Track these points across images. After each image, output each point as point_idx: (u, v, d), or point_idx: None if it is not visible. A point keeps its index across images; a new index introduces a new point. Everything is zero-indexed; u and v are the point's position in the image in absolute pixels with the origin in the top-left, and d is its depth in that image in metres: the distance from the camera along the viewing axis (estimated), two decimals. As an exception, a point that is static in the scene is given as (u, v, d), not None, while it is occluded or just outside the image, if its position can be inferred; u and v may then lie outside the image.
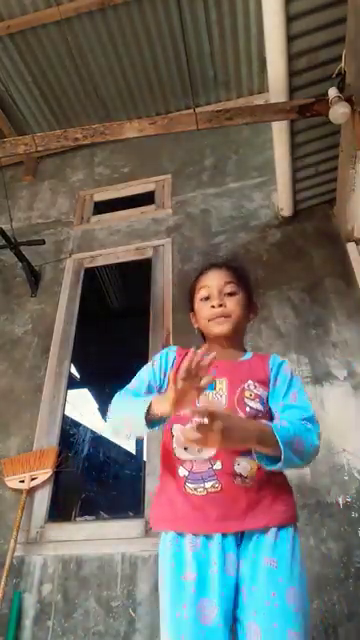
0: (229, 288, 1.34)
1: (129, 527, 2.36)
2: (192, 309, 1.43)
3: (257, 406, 1.19)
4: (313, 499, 2.20)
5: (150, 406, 1.07)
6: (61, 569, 2.27)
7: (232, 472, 1.11)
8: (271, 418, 1.20)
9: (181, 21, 3.53)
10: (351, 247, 2.93)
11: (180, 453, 1.16)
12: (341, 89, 2.29)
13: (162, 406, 1.04)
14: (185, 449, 1.15)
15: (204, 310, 1.34)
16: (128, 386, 1.28)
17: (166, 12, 3.63)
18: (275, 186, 3.15)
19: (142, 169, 4.08)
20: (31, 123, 4.47)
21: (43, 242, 3.50)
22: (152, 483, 2.44)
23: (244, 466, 1.12)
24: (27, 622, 2.17)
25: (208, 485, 1.10)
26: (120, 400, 1.22)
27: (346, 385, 2.49)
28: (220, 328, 1.30)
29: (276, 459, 1.03)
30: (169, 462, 1.19)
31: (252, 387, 1.22)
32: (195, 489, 1.11)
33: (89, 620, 2.12)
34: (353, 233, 2.90)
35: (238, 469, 1.11)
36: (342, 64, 2.25)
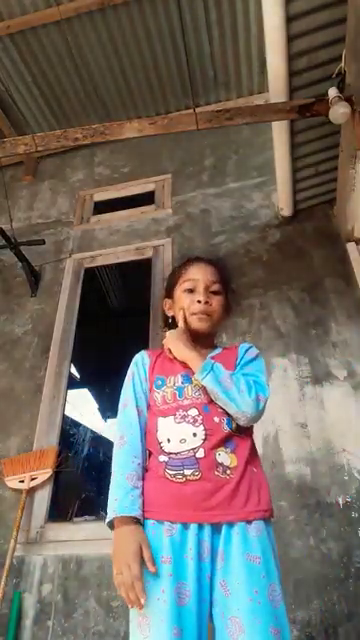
0: (215, 287, 1.36)
1: (129, 527, 2.35)
2: (169, 296, 1.43)
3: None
4: (313, 499, 2.20)
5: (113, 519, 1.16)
6: (61, 569, 2.27)
7: (214, 461, 1.12)
8: None
9: (181, 21, 3.52)
10: (351, 247, 2.93)
11: (165, 445, 1.17)
12: (341, 89, 2.29)
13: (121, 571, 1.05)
14: (168, 441, 1.17)
15: (186, 302, 1.34)
16: (126, 415, 1.26)
17: (166, 12, 3.63)
18: (275, 186, 3.15)
19: (142, 169, 4.08)
20: (31, 123, 4.47)
21: (43, 242, 3.50)
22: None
23: (224, 457, 1.14)
24: (27, 622, 2.17)
25: (188, 472, 1.11)
26: (121, 459, 1.20)
27: (346, 385, 2.49)
28: (200, 325, 1.32)
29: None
30: (151, 451, 1.21)
31: None
32: (174, 475, 1.12)
33: (89, 620, 2.12)
34: (353, 233, 2.90)
35: (219, 459, 1.13)
36: (342, 64, 2.25)
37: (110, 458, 1.26)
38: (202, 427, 1.16)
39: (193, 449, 1.13)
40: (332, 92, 2.28)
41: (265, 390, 1.21)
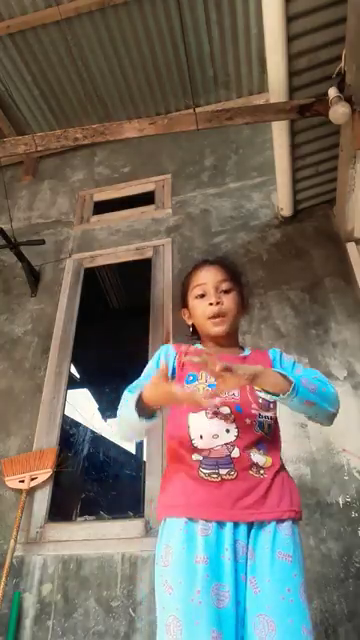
0: (224, 285, 1.35)
1: (129, 527, 2.36)
2: (185, 305, 1.44)
3: (268, 397, 1.21)
4: (313, 499, 2.20)
5: (141, 397, 1.11)
6: (61, 569, 2.27)
7: (249, 461, 1.12)
8: None
9: (181, 21, 3.53)
10: (351, 247, 2.93)
11: (197, 442, 1.16)
12: (341, 89, 2.29)
13: (156, 389, 1.08)
14: (201, 437, 1.15)
15: (200, 308, 1.34)
16: (136, 382, 1.28)
17: (166, 12, 3.63)
18: (275, 186, 3.15)
19: (142, 169, 4.08)
20: (31, 123, 4.47)
21: (43, 242, 3.50)
22: (152, 483, 2.44)
23: (259, 457, 1.14)
24: (27, 622, 2.17)
25: (223, 472, 1.10)
26: (123, 400, 1.22)
27: (346, 385, 2.49)
28: (217, 329, 1.31)
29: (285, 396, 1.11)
30: (181, 450, 1.18)
31: None
32: (209, 475, 1.10)
33: (89, 620, 2.12)
34: (353, 233, 2.90)
35: (254, 458, 1.13)
36: (342, 64, 2.25)
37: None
38: (234, 425, 1.16)
39: (227, 445, 1.13)
40: (332, 92, 2.28)
41: (330, 384, 1.23)
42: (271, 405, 1.23)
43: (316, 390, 1.15)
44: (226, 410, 1.17)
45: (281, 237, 3.22)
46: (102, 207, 4.01)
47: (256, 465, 1.12)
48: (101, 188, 4.13)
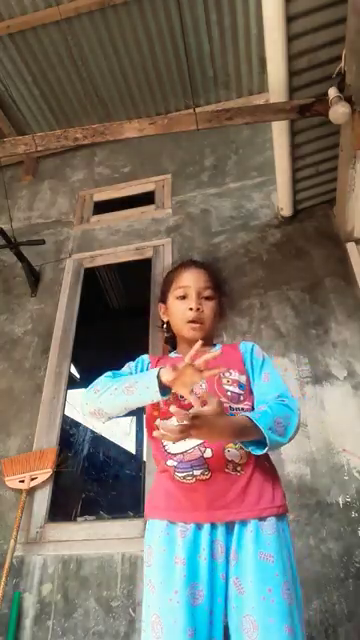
0: (207, 292, 1.36)
1: (129, 527, 2.36)
2: (163, 301, 1.45)
3: (236, 390, 1.22)
4: (313, 499, 2.20)
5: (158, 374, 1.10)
6: (61, 569, 2.27)
7: (223, 459, 1.11)
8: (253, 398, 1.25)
9: (181, 21, 3.52)
10: (351, 247, 2.93)
11: (170, 447, 1.17)
12: (341, 89, 2.29)
13: (167, 375, 1.06)
14: (173, 442, 1.13)
15: (180, 310, 1.35)
16: (104, 375, 1.28)
17: (166, 12, 3.63)
18: (275, 186, 3.15)
19: (142, 169, 4.08)
20: (31, 123, 4.47)
21: (43, 242, 3.50)
22: (152, 483, 2.44)
23: (234, 453, 1.13)
24: (27, 622, 2.17)
25: (197, 473, 1.11)
26: (113, 376, 1.23)
27: (346, 385, 2.49)
28: (193, 334, 1.31)
29: (261, 443, 1.07)
30: (158, 456, 1.21)
31: (227, 374, 1.24)
32: (184, 477, 1.12)
33: (89, 620, 2.12)
34: (353, 233, 2.90)
35: (229, 456, 1.12)
36: (342, 64, 2.25)
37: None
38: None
39: (198, 447, 1.13)
40: (332, 92, 2.28)
41: (293, 399, 1.19)
42: (242, 397, 1.21)
43: (284, 433, 1.10)
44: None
45: (281, 237, 3.22)
46: (102, 207, 4.01)
47: (232, 462, 1.11)
48: (101, 188, 4.13)
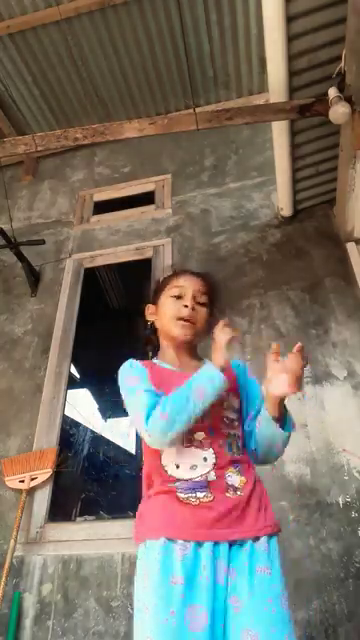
0: (202, 298, 1.32)
1: (129, 527, 2.35)
2: (153, 302, 1.41)
3: (233, 416, 1.22)
4: (313, 499, 2.20)
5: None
6: (61, 569, 2.27)
7: (224, 484, 1.11)
8: (242, 424, 1.24)
9: (181, 21, 3.52)
10: (351, 247, 2.93)
11: (172, 471, 1.13)
12: (341, 89, 2.29)
13: (220, 360, 1.11)
14: (177, 467, 1.13)
15: (172, 307, 1.31)
16: (148, 397, 1.13)
17: (166, 12, 3.63)
18: (275, 186, 3.15)
19: (142, 169, 4.08)
20: (31, 123, 4.47)
21: (43, 242, 3.50)
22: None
23: (235, 478, 1.12)
24: (27, 622, 2.17)
25: (200, 495, 1.09)
26: (168, 396, 1.12)
27: (346, 385, 2.49)
28: (182, 332, 1.27)
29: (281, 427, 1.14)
30: (157, 479, 1.16)
31: (227, 397, 1.22)
32: (187, 498, 1.09)
33: (89, 620, 2.12)
34: (353, 233, 2.90)
35: (230, 481, 1.11)
36: (342, 64, 2.25)
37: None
38: (211, 450, 1.14)
39: (205, 474, 1.11)
40: (332, 92, 2.28)
41: None
42: (235, 423, 1.22)
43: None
44: (201, 435, 1.15)
45: (281, 237, 3.22)
46: (102, 207, 4.01)
47: (232, 486, 1.11)
48: (101, 188, 4.13)
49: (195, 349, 1.37)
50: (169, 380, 1.19)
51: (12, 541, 2.26)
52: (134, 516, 2.59)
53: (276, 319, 2.83)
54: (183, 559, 1.02)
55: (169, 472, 1.13)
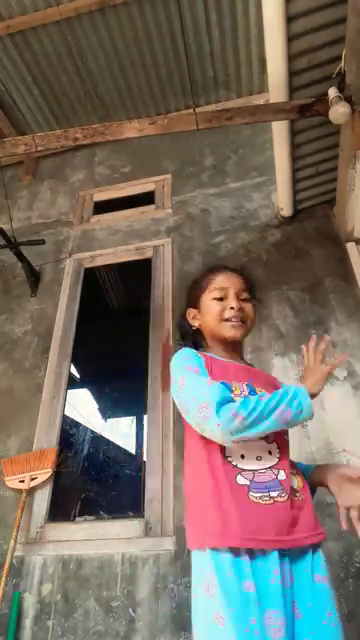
0: (245, 295, 1.34)
1: (129, 527, 2.36)
2: (194, 306, 1.37)
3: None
4: (313, 499, 2.19)
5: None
6: (61, 569, 2.27)
7: (290, 485, 1.08)
8: None
9: (181, 21, 3.53)
10: (351, 247, 2.93)
11: (239, 462, 1.08)
12: (341, 89, 2.29)
13: (317, 387, 1.17)
14: (242, 457, 1.09)
15: (217, 310, 1.29)
16: (222, 389, 1.10)
17: (166, 12, 3.63)
18: (275, 186, 3.15)
19: (142, 169, 4.08)
20: (31, 123, 4.47)
21: (43, 242, 3.50)
22: (152, 483, 2.44)
23: (294, 480, 1.11)
24: (27, 622, 2.17)
25: (274, 494, 1.04)
26: (251, 400, 1.07)
27: (346, 385, 2.49)
28: (234, 332, 1.28)
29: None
30: (219, 472, 1.07)
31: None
32: (260, 497, 1.02)
33: (89, 620, 2.12)
34: (353, 233, 2.90)
35: (292, 483, 1.09)
36: (342, 64, 2.25)
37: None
38: (275, 444, 1.12)
39: (271, 468, 1.08)
40: (332, 92, 2.28)
41: None
42: None
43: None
44: None
45: (281, 237, 3.22)
46: (102, 207, 4.01)
47: (294, 489, 1.09)
48: (101, 188, 4.13)
49: (242, 346, 1.39)
50: (233, 374, 1.19)
51: (12, 541, 2.26)
52: (134, 516, 2.60)
53: (276, 319, 2.83)
54: (254, 564, 0.97)
55: (233, 462, 1.08)
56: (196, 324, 1.36)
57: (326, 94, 2.31)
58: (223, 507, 1.02)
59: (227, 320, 1.28)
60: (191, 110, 2.59)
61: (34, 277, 3.49)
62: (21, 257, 3.39)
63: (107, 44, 3.84)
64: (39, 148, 2.57)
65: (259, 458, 1.08)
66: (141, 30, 3.74)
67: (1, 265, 3.75)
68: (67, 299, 3.37)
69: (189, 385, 1.14)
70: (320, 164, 2.94)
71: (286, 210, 3.20)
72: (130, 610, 2.10)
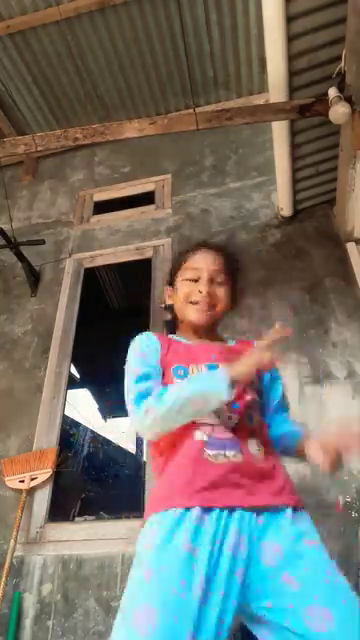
0: (220, 278, 1.25)
1: (129, 527, 2.36)
2: (171, 283, 1.34)
3: (254, 396, 1.14)
4: (313, 499, 2.19)
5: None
6: (61, 569, 2.27)
7: (248, 447, 1.03)
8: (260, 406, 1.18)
9: (181, 21, 3.52)
10: (351, 247, 2.93)
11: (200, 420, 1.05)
12: (341, 89, 2.29)
13: (243, 369, 1.00)
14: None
15: (187, 290, 1.25)
16: (145, 383, 1.09)
17: (166, 12, 3.63)
18: (275, 186, 3.15)
19: (142, 169, 4.08)
20: (31, 123, 4.47)
21: (43, 242, 3.50)
22: (152, 483, 2.44)
23: (253, 445, 1.06)
24: (27, 622, 2.17)
25: (230, 454, 0.99)
26: (166, 393, 1.03)
27: (346, 385, 2.49)
28: (197, 316, 1.23)
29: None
30: (181, 431, 1.05)
31: None
32: (215, 456, 0.99)
33: (89, 620, 2.12)
34: (353, 233, 2.90)
35: (250, 447, 1.04)
36: (342, 64, 2.25)
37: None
38: (236, 415, 1.07)
39: (231, 429, 1.04)
40: (332, 92, 2.28)
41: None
42: (255, 404, 1.14)
43: None
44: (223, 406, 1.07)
45: (281, 237, 3.22)
46: (102, 207, 4.01)
47: (253, 456, 1.03)
48: (101, 188, 4.13)
49: (215, 328, 1.32)
50: (192, 357, 1.16)
51: (12, 541, 2.26)
52: (134, 516, 2.59)
53: (276, 319, 2.82)
54: (200, 525, 0.91)
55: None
56: (170, 302, 1.33)
57: (326, 94, 2.31)
58: (172, 470, 1.02)
59: (194, 303, 1.23)
60: (191, 110, 2.59)
61: (34, 277, 3.49)
62: (21, 257, 3.39)
63: (107, 44, 3.84)
64: (39, 148, 2.57)
65: (219, 416, 1.06)
66: (141, 30, 3.74)
67: (1, 265, 3.75)
68: (67, 299, 3.37)
69: (125, 380, 1.14)
70: (320, 164, 2.94)
71: (286, 210, 3.20)
72: (130, 610, 2.10)
